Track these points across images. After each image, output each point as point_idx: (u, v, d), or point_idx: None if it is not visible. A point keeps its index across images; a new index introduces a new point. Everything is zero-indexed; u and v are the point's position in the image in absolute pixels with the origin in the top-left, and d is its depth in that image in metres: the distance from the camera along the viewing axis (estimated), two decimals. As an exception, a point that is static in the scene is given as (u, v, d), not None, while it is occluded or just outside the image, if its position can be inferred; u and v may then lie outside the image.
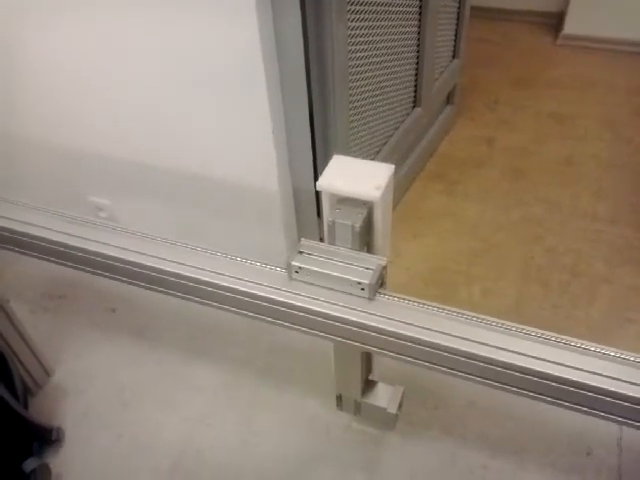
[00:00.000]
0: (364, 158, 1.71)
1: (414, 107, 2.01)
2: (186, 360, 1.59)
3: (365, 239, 0.95)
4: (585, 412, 0.80)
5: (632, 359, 0.78)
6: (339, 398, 1.33)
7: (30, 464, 1.28)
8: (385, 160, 1.85)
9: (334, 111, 1.43)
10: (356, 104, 1.58)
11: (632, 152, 2.28)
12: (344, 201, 0.92)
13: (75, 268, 1.06)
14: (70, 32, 1.35)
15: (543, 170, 2.21)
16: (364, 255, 0.92)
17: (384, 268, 0.90)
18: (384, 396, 1.29)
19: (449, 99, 2.37)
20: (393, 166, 0.94)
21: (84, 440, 1.43)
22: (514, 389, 0.83)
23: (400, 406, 1.28)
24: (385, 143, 1.86)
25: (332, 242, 0.94)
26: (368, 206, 0.91)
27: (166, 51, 1.29)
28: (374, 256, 0.92)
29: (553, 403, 0.82)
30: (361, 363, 1.19)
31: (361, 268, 0.89)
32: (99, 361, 1.60)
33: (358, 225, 0.89)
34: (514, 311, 1.68)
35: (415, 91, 1.97)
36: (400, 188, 2.08)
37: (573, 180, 2.15)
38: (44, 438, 1.39)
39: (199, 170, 1.50)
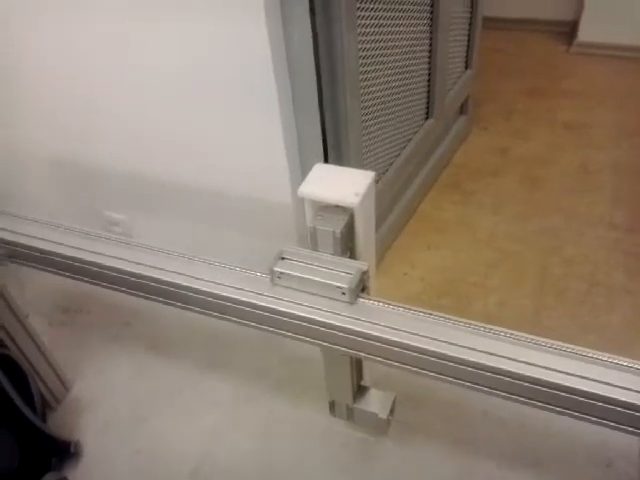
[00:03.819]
0: (378, 170, 1.73)
1: (427, 118, 2.01)
2: (201, 372, 1.60)
3: (348, 245, 0.96)
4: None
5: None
6: (332, 404, 1.34)
7: (49, 478, 1.30)
8: (399, 172, 1.85)
9: (346, 124, 1.44)
10: (368, 116, 1.59)
11: (649, 159, 2.25)
12: (326, 208, 0.94)
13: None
14: (82, 45, 1.37)
15: (559, 179, 2.19)
16: (345, 260, 0.93)
17: (365, 273, 0.91)
18: (375, 402, 1.29)
19: (462, 109, 2.37)
20: (373, 173, 0.95)
21: (103, 454, 1.44)
22: (503, 394, 0.83)
23: (392, 411, 1.29)
24: (398, 155, 1.86)
25: (315, 248, 0.96)
26: (349, 212, 0.93)
27: (178, 66, 1.30)
28: (355, 261, 0.94)
29: (544, 408, 0.82)
30: (350, 368, 1.20)
31: (342, 273, 0.90)
32: (117, 374, 1.61)
33: (339, 231, 0.91)
34: (531, 322, 1.66)
35: (428, 102, 1.97)
36: (414, 199, 2.08)
37: (590, 189, 2.13)
38: (63, 452, 1.40)
39: (212, 185, 1.51)
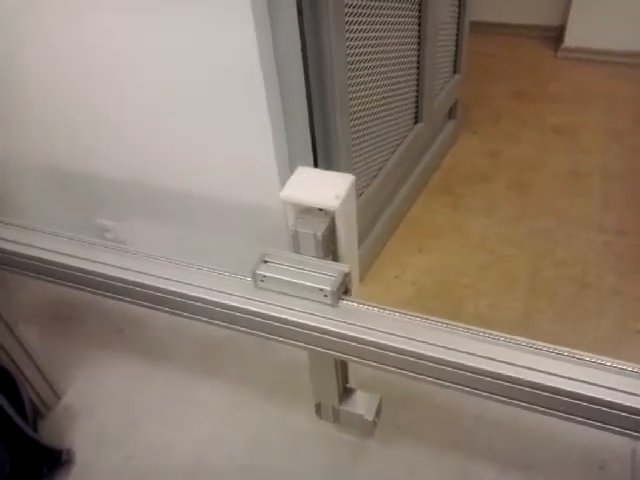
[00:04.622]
0: (367, 174, 1.74)
1: (416, 122, 2.02)
2: (195, 379, 1.59)
3: (330, 248, 0.97)
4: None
5: (642, 371, 0.77)
6: (318, 406, 1.34)
7: (40, 487, 1.29)
8: (389, 176, 1.85)
9: (335, 128, 1.44)
10: (358, 122, 1.59)
11: (638, 162, 2.27)
12: (307, 211, 0.95)
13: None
14: (70, 52, 1.38)
15: (549, 182, 2.21)
16: (327, 263, 0.94)
17: (347, 275, 0.92)
18: (361, 403, 1.30)
19: (451, 113, 2.38)
20: (353, 176, 0.96)
21: (95, 461, 1.43)
22: (494, 396, 0.84)
23: (378, 413, 1.29)
24: (388, 159, 1.87)
25: (297, 251, 0.96)
26: (330, 215, 0.94)
27: (168, 72, 1.31)
28: (336, 263, 0.94)
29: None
30: (335, 370, 1.20)
31: (324, 275, 0.91)
32: (109, 382, 1.61)
33: (320, 234, 0.91)
34: (522, 324, 1.67)
35: (416, 107, 1.98)
36: (405, 203, 2.08)
37: (580, 192, 2.14)
38: (54, 460, 1.39)
39: (204, 190, 1.51)
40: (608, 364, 0.79)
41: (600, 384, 0.76)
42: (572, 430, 1.36)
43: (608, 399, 0.75)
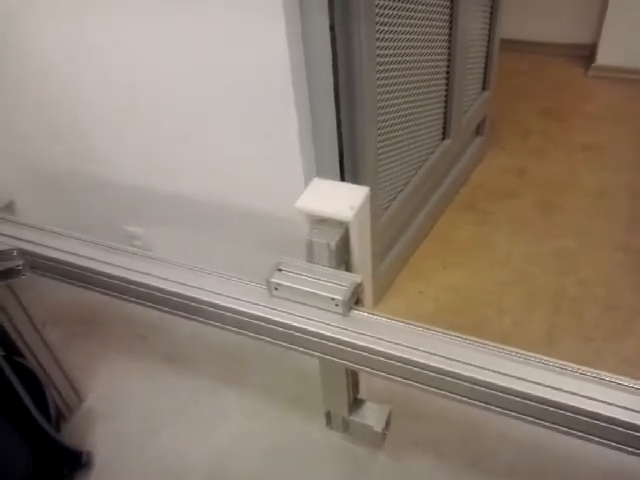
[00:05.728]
0: (393, 189, 1.74)
1: (444, 139, 2.02)
2: (213, 386, 1.61)
3: (343, 258, 0.99)
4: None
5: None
6: (328, 415, 1.35)
7: (61, 487, 1.31)
8: (414, 191, 1.86)
9: (363, 143, 1.46)
10: (385, 136, 1.60)
11: (667, 183, 2.24)
12: (322, 221, 0.97)
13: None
14: (95, 58, 1.41)
15: (576, 201, 2.18)
16: (340, 273, 0.95)
17: (358, 285, 0.93)
18: (371, 415, 1.30)
19: (479, 130, 2.37)
20: (368, 188, 0.98)
21: (114, 465, 1.45)
22: (497, 408, 0.84)
23: (387, 425, 1.29)
24: (414, 174, 1.87)
25: (311, 260, 0.98)
26: (344, 226, 0.95)
27: (196, 83, 1.33)
28: (349, 273, 0.95)
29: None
30: (346, 380, 1.21)
31: (336, 285, 0.92)
32: (130, 387, 1.63)
33: (334, 244, 0.93)
34: (546, 343, 1.65)
35: (444, 123, 1.99)
36: (430, 218, 2.08)
37: (606, 211, 2.12)
38: (75, 461, 1.41)
39: (233, 201, 1.53)
40: (623, 384, 0.78)
41: (631, 408, 0.76)
42: (596, 452, 1.33)
43: (627, 420, 0.75)
